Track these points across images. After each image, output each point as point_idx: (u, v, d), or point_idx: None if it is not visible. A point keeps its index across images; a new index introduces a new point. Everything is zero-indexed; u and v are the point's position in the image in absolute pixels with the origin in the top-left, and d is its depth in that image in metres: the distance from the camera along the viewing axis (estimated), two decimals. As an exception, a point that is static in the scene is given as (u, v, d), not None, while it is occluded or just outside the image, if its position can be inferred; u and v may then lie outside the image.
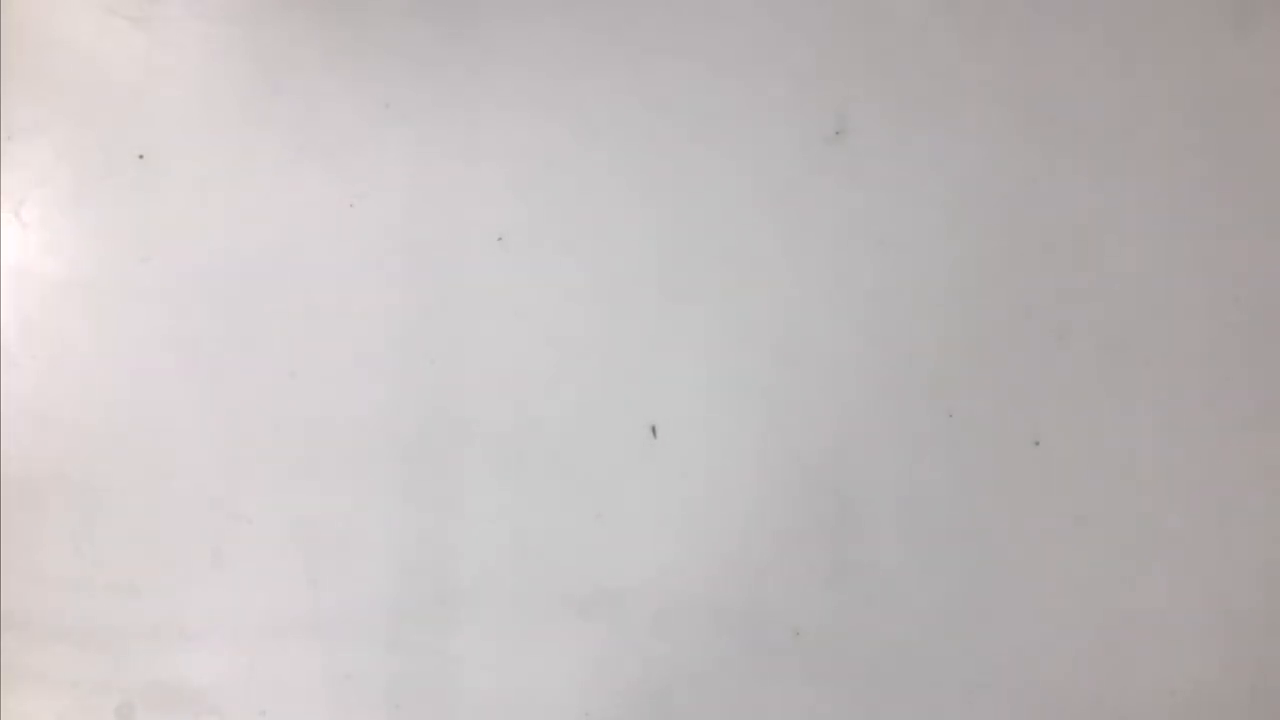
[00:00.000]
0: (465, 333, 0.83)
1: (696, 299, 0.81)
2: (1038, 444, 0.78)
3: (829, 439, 0.80)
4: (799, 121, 0.82)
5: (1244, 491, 0.77)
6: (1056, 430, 0.78)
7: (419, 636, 0.82)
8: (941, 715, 0.78)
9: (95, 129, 0.86)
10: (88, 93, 0.87)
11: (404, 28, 0.85)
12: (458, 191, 0.84)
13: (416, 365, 0.83)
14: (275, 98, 0.85)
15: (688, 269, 0.82)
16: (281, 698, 0.83)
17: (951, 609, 0.78)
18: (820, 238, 0.81)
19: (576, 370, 0.82)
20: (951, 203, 0.80)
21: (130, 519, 0.84)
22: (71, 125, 0.86)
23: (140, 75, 0.86)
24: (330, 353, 0.83)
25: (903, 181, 0.81)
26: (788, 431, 0.80)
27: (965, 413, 0.79)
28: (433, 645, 0.82)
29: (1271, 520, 0.77)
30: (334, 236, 0.84)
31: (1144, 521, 0.77)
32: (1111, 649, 0.77)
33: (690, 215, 0.82)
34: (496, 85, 0.84)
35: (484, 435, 0.82)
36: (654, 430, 0.81)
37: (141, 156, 0.86)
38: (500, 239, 0.83)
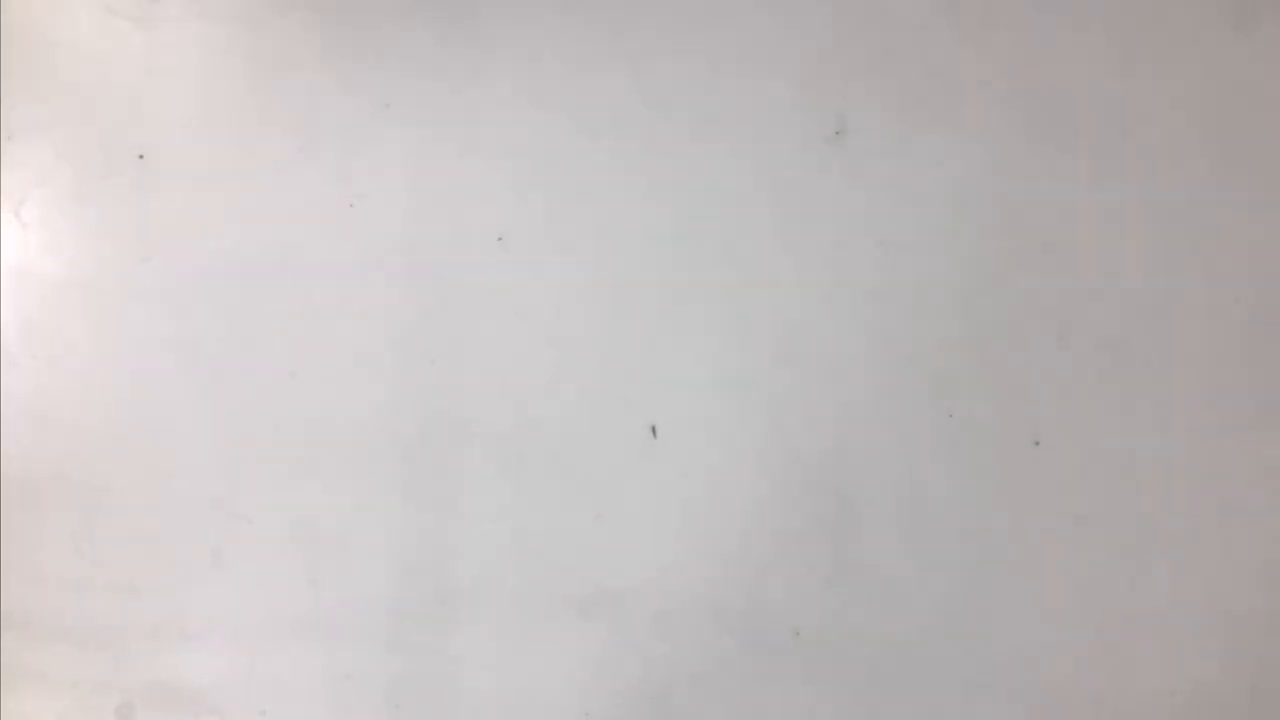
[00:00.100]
0: (465, 333, 0.83)
1: (696, 299, 0.81)
2: (1038, 444, 0.78)
3: (829, 439, 0.80)
4: (799, 121, 0.82)
5: (1244, 491, 0.77)
6: (1056, 430, 0.78)
7: (419, 636, 0.82)
8: (941, 715, 0.78)
9: (95, 129, 0.86)
10: (88, 93, 0.87)
11: (404, 27, 0.85)
12: (458, 191, 0.84)
13: (416, 365, 0.83)
14: (275, 98, 0.85)
15: (688, 269, 0.82)
16: (281, 698, 0.83)
17: (951, 609, 0.78)
18: (820, 238, 0.81)
19: (576, 370, 0.82)
20: (951, 203, 0.80)
21: (130, 519, 0.84)
22: (71, 125, 0.86)
23: (140, 75, 0.86)
24: (330, 353, 0.83)
25: (903, 181, 0.81)
26: (788, 431, 0.80)
27: (965, 413, 0.79)
28: (433, 645, 0.82)
29: (1271, 520, 0.77)
30: (334, 236, 0.84)
31: (1144, 521, 0.77)
32: (1111, 649, 0.77)
33: (690, 215, 0.82)
34: (496, 85, 0.84)
35: (484, 435, 0.82)
36: (654, 430, 0.81)
37: (141, 156, 0.86)
38: (500, 239, 0.83)
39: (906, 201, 0.80)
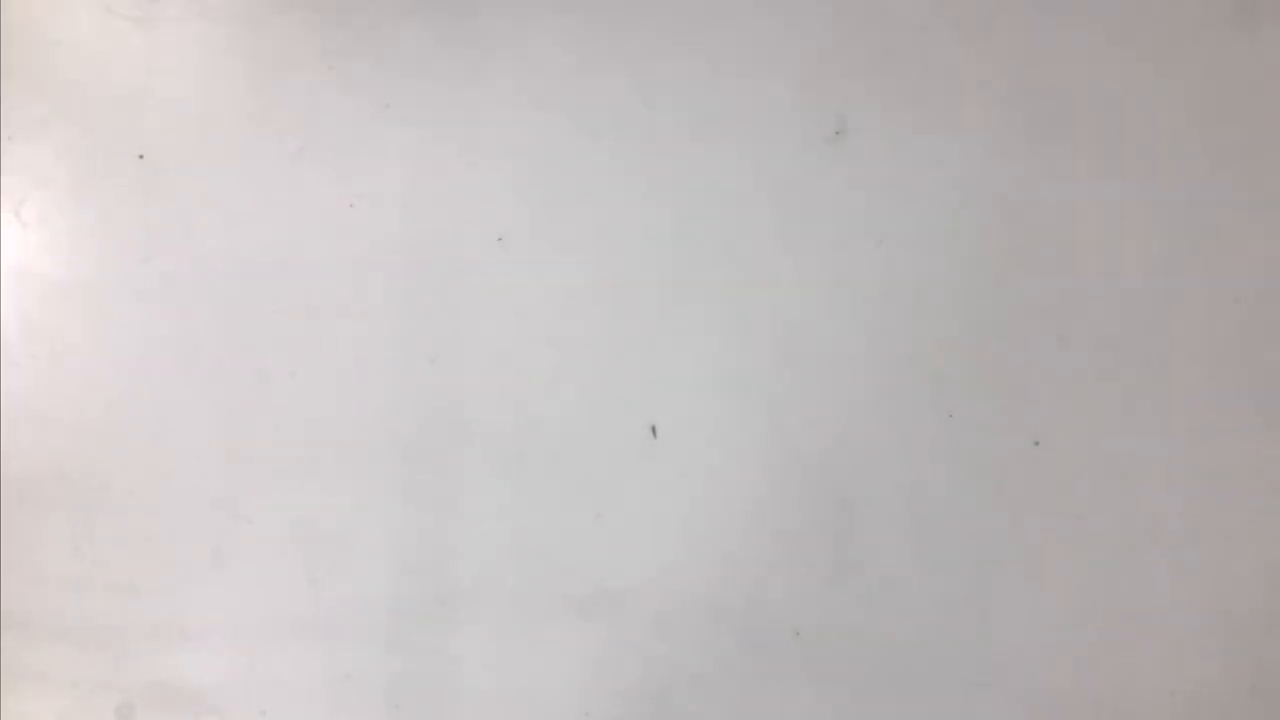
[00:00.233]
0: (465, 333, 0.83)
1: (697, 299, 0.81)
2: (1038, 444, 0.78)
3: (830, 439, 0.80)
4: (799, 121, 0.82)
5: (1244, 492, 0.77)
6: (1056, 430, 0.78)
7: (419, 636, 0.82)
8: (941, 715, 0.78)
9: (95, 129, 0.86)
10: (88, 93, 0.87)
11: (404, 28, 0.85)
12: (457, 191, 0.84)
13: (416, 365, 0.83)
14: (275, 98, 0.85)
15: (688, 269, 0.82)
16: (281, 698, 0.83)
17: (951, 609, 0.78)
18: (820, 238, 0.81)
19: (576, 370, 0.82)
20: (951, 203, 0.80)
21: (130, 519, 0.84)
22: (71, 125, 0.86)
23: (140, 75, 0.86)
24: (330, 353, 0.83)
25: (903, 181, 0.81)
26: (788, 431, 0.80)
27: (965, 413, 0.79)
28: (433, 645, 0.82)
29: (1271, 520, 0.77)
30: (334, 236, 0.84)
31: (1144, 521, 0.77)
32: (1111, 649, 0.77)
33: (690, 215, 0.82)
34: (496, 85, 0.84)
35: (484, 435, 0.82)
36: (654, 430, 0.81)
37: (141, 156, 0.86)
38: (500, 239, 0.83)
39: (906, 201, 0.80)
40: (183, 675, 0.83)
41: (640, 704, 0.80)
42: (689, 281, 0.82)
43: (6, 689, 0.84)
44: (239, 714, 0.83)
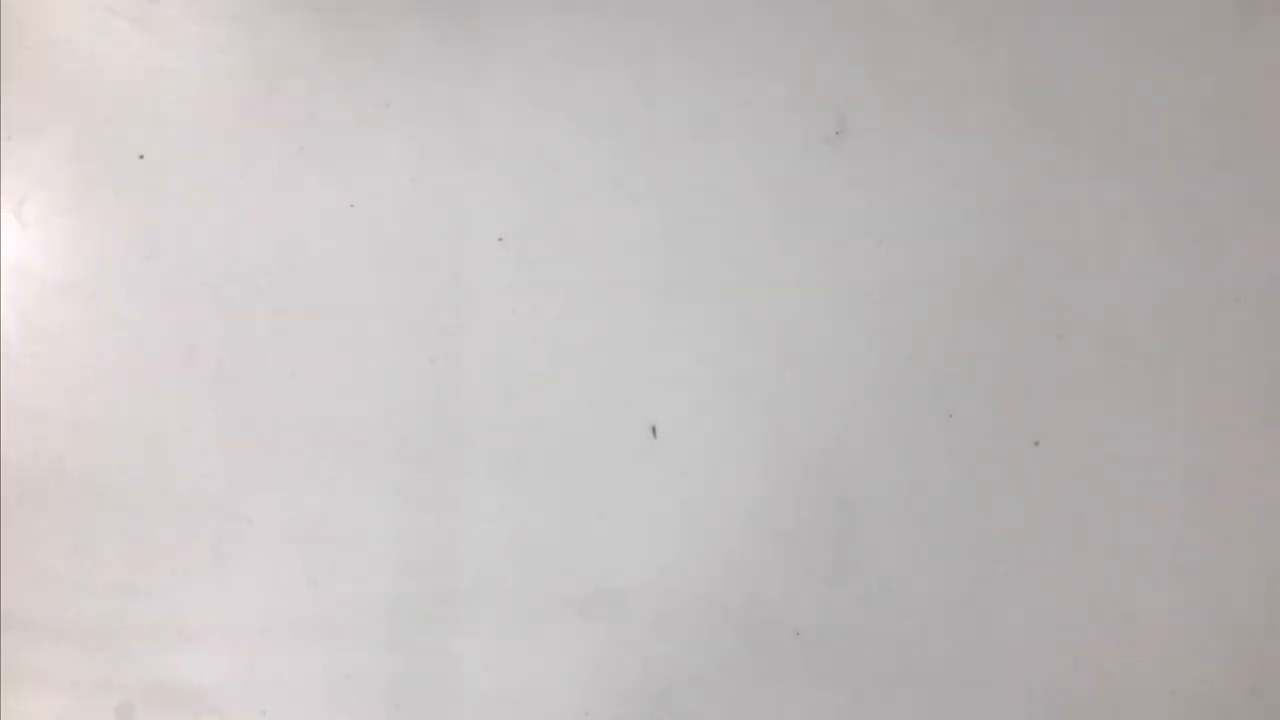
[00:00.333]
0: (465, 333, 0.83)
1: (697, 299, 0.81)
2: (1038, 444, 0.78)
3: (829, 439, 0.80)
4: (799, 121, 0.82)
5: (1244, 492, 0.77)
6: (1056, 430, 0.78)
7: (419, 636, 0.82)
8: (941, 715, 0.78)
9: (95, 129, 0.86)
10: (88, 93, 0.87)
11: (404, 28, 0.85)
12: (458, 191, 0.84)
13: (416, 365, 0.83)
14: (275, 98, 0.85)
15: (688, 269, 0.82)
16: (281, 698, 0.83)
17: (951, 609, 0.78)
18: (820, 238, 0.81)
19: (576, 370, 0.82)
20: (952, 202, 0.80)
21: (130, 519, 0.84)
22: (71, 125, 0.86)
23: (140, 75, 0.86)
24: (330, 353, 0.83)
25: (903, 181, 0.81)
26: (788, 431, 0.80)
27: (965, 413, 0.79)
28: (433, 645, 0.82)
29: (1271, 521, 0.77)
30: (334, 236, 0.84)
31: (1144, 521, 0.77)
32: (1111, 649, 0.77)
33: (690, 215, 0.82)
34: (496, 85, 0.84)
35: (484, 435, 0.82)
36: (654, 430, 0.81)
37: (141, 156, 0.86)
38: (500, 239, 0.83)
39: (906, 201, 0.80)
40: (183, 675, 0.83)
41: (640, 704, 0.80)
42: (689, 281, 0.82)
43: (6, 689, 0.84)
44: (239, 714, 0.83)
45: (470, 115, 0.84)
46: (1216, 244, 0.78)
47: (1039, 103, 0.80)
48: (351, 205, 0.84)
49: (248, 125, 0.85)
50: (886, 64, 0.81)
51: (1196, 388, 0.77)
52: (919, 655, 0.78)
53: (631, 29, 0.84)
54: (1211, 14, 0.79)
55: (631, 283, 0.82)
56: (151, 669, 0.83)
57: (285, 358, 0.83)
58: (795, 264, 0.81)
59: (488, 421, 0.82)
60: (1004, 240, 0.80)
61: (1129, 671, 0.77)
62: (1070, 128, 0.80)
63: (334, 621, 0.82)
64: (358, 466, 0.82)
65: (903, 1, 0.82)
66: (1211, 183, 0.78)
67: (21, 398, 0.85)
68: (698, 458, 0.81)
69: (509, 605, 0.81)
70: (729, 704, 0.80)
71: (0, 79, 0.86)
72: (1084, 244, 0.79)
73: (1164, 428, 0.78)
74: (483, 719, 0.81)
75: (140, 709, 0.84)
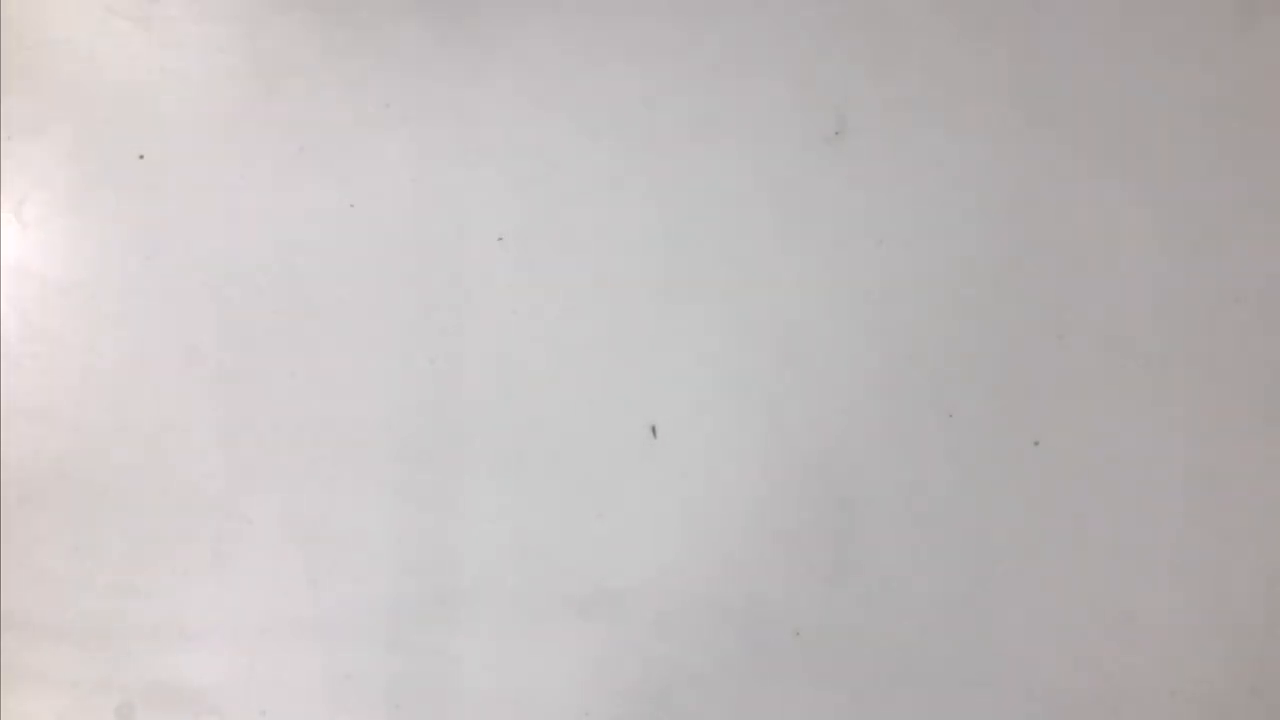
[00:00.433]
0: (465, 333, 0.83)
1: (696, 299, 0.81)
2: (1038, 444, 0.78)
3: (829, 439, 0.80)
4: (799, 121, 0.82)
5: (1244, 491, 0.77)
6: (1056, 430, 0.78)
7: (419, 636, 0.82)
8: (941, 715, 0.78)
9: (95, 129, 0.86)
10: (88, 93, 0.87)
11: (404, 28, 0.85)
12: (458, 191, 0.84)
13: (416, 365, 0.83)
14: (275, 98, 0.85)
15: (688, 269, 0.82)
16: (281, 698, 0.83)
17: (951, 609, 0.78)
18: (820, 238, 0.81)
19: (576, 370, 0.82)
20: (952, 202, 0.80)
21: (130, 519, 0.84)
22: (71, 125, 0.86)
23: (140, 75, 0.86)
24: (330, 353, 0.83)
25: (903, 181, 0.81)
26: (788, 431, 0.80)
27: (965, 413, 0.79)
28: (433, 645, 0.82)
29: (1271, 521, 0.77)
30: (334, 236, 0.84)
31: (1144, 521, 0.77)
32: (1111, 649, 0.77)
33: (690, 215, 0.82)
34: (496, 85, 0.84)
35: (484, 435, 0.82)
36: (654, 430, 0.81)
37: (141, 156, 0.86)
38: (500, 239, 0.83)
39: (906, 201, 0.80)
40: (183, 675, 0.83)
41: (640, 704, 0.80)
42: (689, 281, 0.82)
43: (6, 689, 0.84)
44: (239, 714, 0.83)
45: (470, 115, 0.84)
46: (1216, 244, 0.78)
47: (1039, 103, 0.80)
48: (351, 205, 0.84)
49: (248, 125, 0.85)
50: (886, 64, 0.82)
51: (1196, 388, 0.78)
52: (919, 655, 0.78)
53: (631, 29, 0.84)
54: (1211, 14, 0.79)
55: (631, 283, 0.82)
56: (151, 669, 0.83)
57: (285, 358, 0.83)
58: (795, 264, 0.81)
59: (488, 421, 0.82)
60: (1004, 240, 0.80)
61: (1129, 671, 0.77)
62: (1070, 128, 0.80)
63: (334, 621, 0.82)
64: (358, 466, 0.82)
65: (903, 1, 0.82)
66: (1211, 183, 0.78)
67: (21, 398, 0.85)
68: (698, 458, 0.81)
69: (509, 605, 0.81)
70: (729, 704, 0.80)
71: (0, 79, 0.86)
72: (1084, 244, 0.79)
73: (1164, 428, 0.78)
74: (483, 719, 0.81)
75: (140, 709, 0.84)
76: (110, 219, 0.85)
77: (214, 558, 0.83)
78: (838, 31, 0.82)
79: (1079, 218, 0.79)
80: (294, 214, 0.84)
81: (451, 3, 0.85)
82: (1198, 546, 0.77)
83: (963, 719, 0.78)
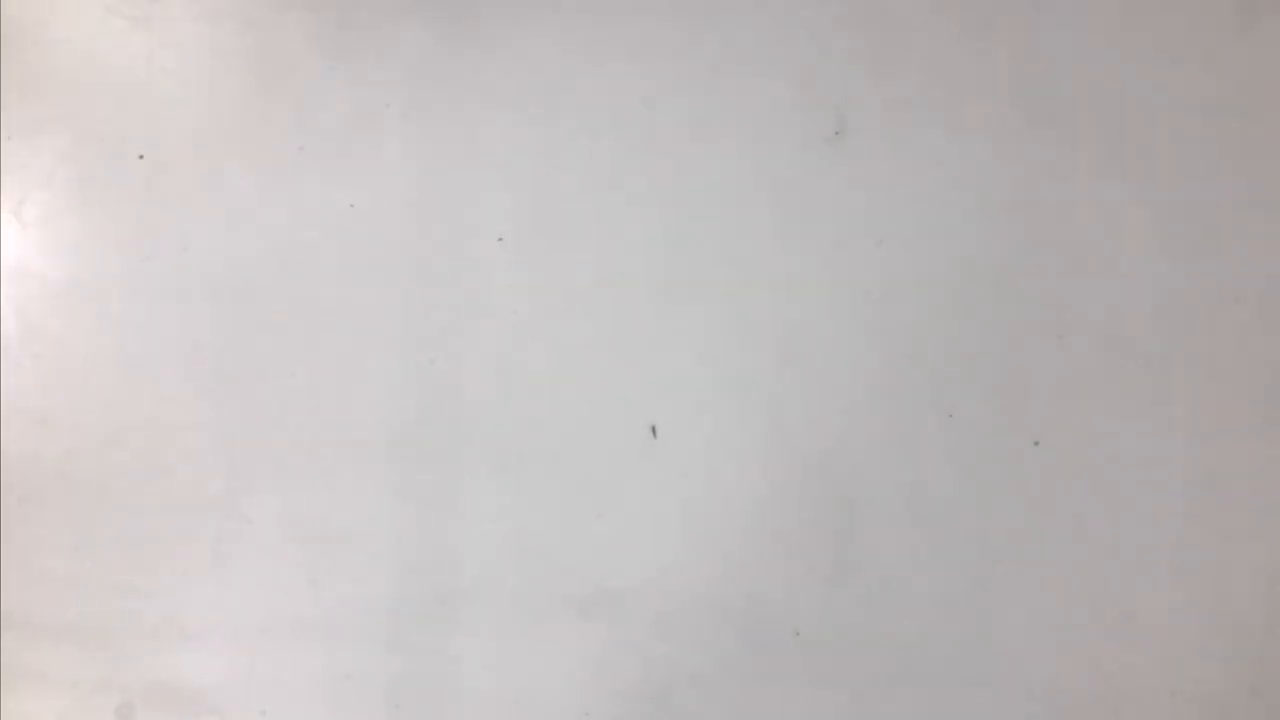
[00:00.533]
0: (465, 333, 0.83)
1: (696, 299, 0.81)
2: (1038, 444, 0.78)
3: (830, 439, 0.80)
4: (799, 121, 0.82)
5: (1244, 492, 0.77)
6: (1056, 430, 0.78)
7: (419, 636, 0.82)
8: (941, 715, 0.78)
9: (95, 129, 0.86)
10: (88, 93, 0.87)
11: (404, 28, 0.85)
12: (458, 191, 0.84)
13: (416, 365, 0.83)
14: (275, 98, 0.85)
15: (688, 269, 0.82)
16: (281, 698, 0.83)
17: (951, 609, 0.78)
18: (820, 238, 0.81)
19: (576, 370, 0.82)
20: (952, 202, 0.80)
21: (130, 519, 0.84)
22: (71, 125, 0.86)
23: (140, 75, 0.86)
24: (330, 352, 0.83)
25: (903, 181, 0.81)
26: (788, 431, 0.80)
27: (965, 413, 0.79)
28: (433, 645, 0.82)
29: (1271, 520, 0.77)
30: (334, 236, 0.84)
31: (1144, 521, 0.77)
32: (1111, 649, 0.77)
33: (690, 215, 0.82)
34: (496, 85, 0.84)
35: (484, 435, 0.82)
36: (654, 430, 0.81)
37: (141, 156, 0.86)
38: (500, 239, 0.83)
39: (906, 201, 0.80)
40: (183, 675, 0.83)
41: (640, 704, 0.80)
42: (689, 281, 0.82)
43: (6, 689, 0.84)
44: (239, 714, 0.83)
45: (470, 115, 0.84)
46: (1216, 244, 0.78)
47: (1039, 103, 0.80)
48: (351, 205, 0.84)
49: (248, 125, 0.85)
50: (886, 64, 0.82)
51: (1196, 388, 0.78)
52: (919, 655, 0.78)
53: (631, 29, 0.84)
54: (1211, 14, 0.79)
55: (631, 283, 0.82)
56: (151, 669, 0.83)
57: (285, 358, 0.83)
58: (795, 264, 0.81)
59: (488, 421, 0.82)
60: (1004, 240, 0.80)
61: (1129, 671, 0.77)
62: (1070, 128, 0.80)
63: (334, 621, 0.82)
64: (358, 466, 0.82)
65: (903, 2, 0.82)
66: (1211, 183, 0.78)
67: (21, 398, 0.85)
68: (698, 458, 0.81)
69: (509, 605, 0.81)
70: (729, 704, 0.80)
71: (0, 79, 0.86)
72: (1084, 244, 0.79)
73: (1164, 428, 0.78)
74: (483, 719, 0.81)
75: (140, 709, 0.84)
76: (110, 219, 0.85)
77: (214, 558, 0.83)
78: (838, 31, 0.82)
79: (1079, 218, 0.79)
80: (294, 214, 0.84)
81: (451, 3, 0.85)
82: (1198, 546, 0.77)
83: (963, 719, 0.78)
